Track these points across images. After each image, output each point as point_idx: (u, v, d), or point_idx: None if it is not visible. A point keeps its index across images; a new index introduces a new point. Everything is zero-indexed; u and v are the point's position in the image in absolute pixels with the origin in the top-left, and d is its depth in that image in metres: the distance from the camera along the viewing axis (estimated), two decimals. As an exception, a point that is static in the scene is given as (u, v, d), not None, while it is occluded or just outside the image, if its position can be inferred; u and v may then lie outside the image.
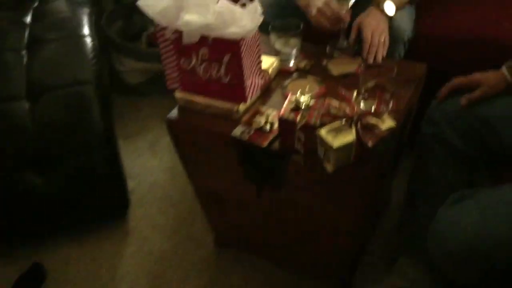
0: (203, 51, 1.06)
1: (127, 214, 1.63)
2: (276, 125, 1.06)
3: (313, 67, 1.26)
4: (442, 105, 1.11)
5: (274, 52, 1.27)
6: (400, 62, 1.28)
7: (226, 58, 1.05)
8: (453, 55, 1.41)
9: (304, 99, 1.00)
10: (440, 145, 1.11)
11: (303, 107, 0.99)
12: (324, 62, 1.28)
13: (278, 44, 1.26)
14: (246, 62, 1.06)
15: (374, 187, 1.15)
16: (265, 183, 1.13)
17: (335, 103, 0.98)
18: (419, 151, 1.19)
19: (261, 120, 1.08)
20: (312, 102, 1.00)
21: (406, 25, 1.34)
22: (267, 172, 1.10)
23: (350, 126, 0.94)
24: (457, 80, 1.09)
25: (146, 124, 1.98)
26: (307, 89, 1.15)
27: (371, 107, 1.02)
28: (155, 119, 2.00)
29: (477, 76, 1.07)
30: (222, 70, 1.07)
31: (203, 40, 1.04)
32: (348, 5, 1.24)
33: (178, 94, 1.17)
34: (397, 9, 1.29)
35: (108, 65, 2.00)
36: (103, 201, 1.53)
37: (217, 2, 1.04)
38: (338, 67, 1.25)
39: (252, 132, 1.07)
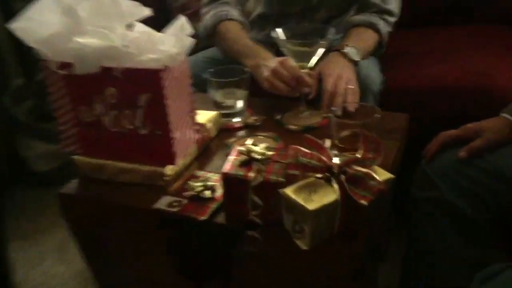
0: (110, 91, 0.75)
1: None
2: (219, 192, 0.74)
3: (265, 122, 0.98)
4: (433, 163, 0.91)
5: (215, 106, 0.98)
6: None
7: (143, 99, 0.74)
8: (428, 107, 1.22)
9: (258, 148, 0.69)
10: (439, 210, 0.89)
11: (258, 158, 0.67)
12: (278, 116, 1.00)
13: (219, 96, 0.97)
14: (173, 104, 0.75)
15: (364, 270, 0.81)
16: (207, 278, 0.77)
17: (304, 150, 0.67)
18: (413, 223, 0.94)
19: (197, 184, 0.74)
20: (270, 152, 0.69)
21: (375, 75, 1.11)
22: (210, 260, 0.74)
23: (329, 181, 0.63)
24: (448, 134, 0.91)
25: (55, 221, 1.58)
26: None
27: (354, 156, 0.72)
28: (68, 214, 1.60)
29: (471, 125, 0.89)
30: (139, 118, 0.76)
31: (109, 75, 0.73)
32: (308, 63, 0.95)
33: (78, 160, 0.83)
34: (362, 58, 1.07)
35: (7, 151, 1.66)
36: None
37: (132, 28, 0.75)
38: (296, 121, 0.98)
39: (185, 201, 0.73)
